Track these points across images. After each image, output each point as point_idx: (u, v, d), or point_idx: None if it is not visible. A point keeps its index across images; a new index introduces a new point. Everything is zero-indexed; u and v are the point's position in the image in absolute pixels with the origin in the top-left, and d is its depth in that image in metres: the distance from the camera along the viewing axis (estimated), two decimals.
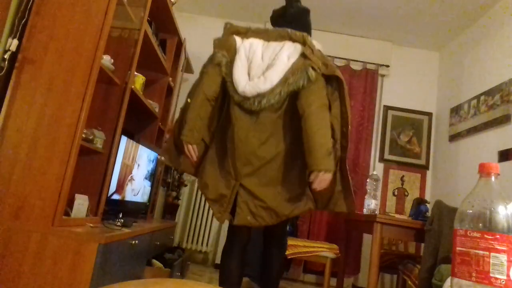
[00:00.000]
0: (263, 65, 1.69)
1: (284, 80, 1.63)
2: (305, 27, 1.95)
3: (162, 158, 1.87)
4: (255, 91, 1.63)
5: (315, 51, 1.70)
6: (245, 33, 1.79)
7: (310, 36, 2.01)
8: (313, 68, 1.64)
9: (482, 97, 3.18)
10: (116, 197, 2.16)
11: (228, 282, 1.75)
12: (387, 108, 4.05)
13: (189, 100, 1.84)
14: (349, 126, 1.73)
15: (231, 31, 1.82)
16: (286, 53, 1.67)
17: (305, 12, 1.97)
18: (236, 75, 1.68)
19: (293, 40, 1.71)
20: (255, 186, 1.69)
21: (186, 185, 3.67)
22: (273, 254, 1.94)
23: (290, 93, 1.65)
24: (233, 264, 1.78)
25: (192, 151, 1.76)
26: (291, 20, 1.92)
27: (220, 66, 1.73)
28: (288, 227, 2.46)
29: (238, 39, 1.78)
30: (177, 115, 3.81)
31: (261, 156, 1.68)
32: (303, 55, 1.66)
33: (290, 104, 1.71)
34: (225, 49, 1.76)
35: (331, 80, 1.78)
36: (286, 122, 1.73)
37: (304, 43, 1.71)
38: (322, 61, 1.70)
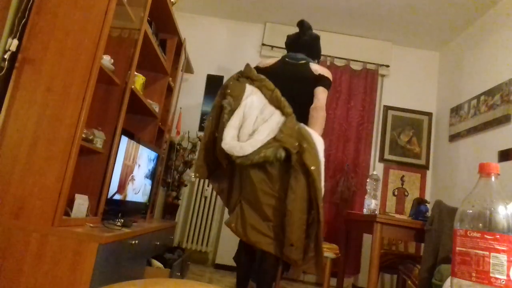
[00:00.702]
0: (251, 131, 1.91)
1: (257, 152, 1.85)
2: (316, 52, 2.25)
3: (197, 174, 2.13)
4: (231, 152, 1.86)
5: (295, 130, 1.88)
6: (260, 82, 1.98)
7: (319, 59, 2.35)
8: (286, 148, 1.84)
9: (482, 97, 3.18)
10: (117, 197, 2.16)
11: (240, 269, 2.14)
12: (387, 108, 4.05)
13: (211, 118, 2.07)
14: (321, 203, 1.87)
15: (248, 75, 2.01)
16: (269, 129, 1.88)
17: (317, 39, 2.26)
18: (226, 131, 1.90)
19: (283, 112, 1.92)
20: (247, 207, 1.98)
21: (186, 185, 3.67)
22: (269, 258, 2.10)
23: (263, 161, 1.86)
24: (244, 257, 2.13)
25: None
26: (303, 47, 2.21)
27: (224, 111, 1.94)
28: None
29: (248, 89, 1.97)
30: (177, 115, 3.82)
31: (256, 190, 1.92)
32: (278, 136, 1.87)
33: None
34: (234, 95, 1.96)
35: None
36: (274, 173, 1.92)
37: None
38: (299, 141, 1.87)
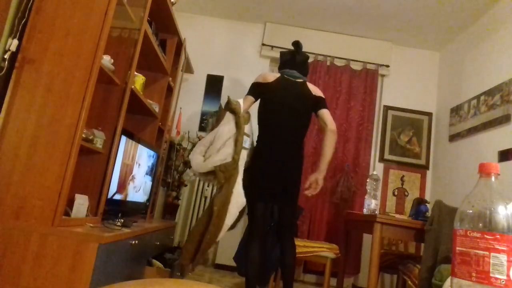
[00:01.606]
0: (212, 154, 2.18)
1: (205, 174, 2.18)
2: (306, 71, 2.53)
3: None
4: (191, 163, 2.17)
5: (229, 171, 2.16)
6: (236, 115, 2.24)
7: (307, 77, 2.62)
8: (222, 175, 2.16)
9: (482, 97, 3.18)
10: (117, 197, 2.16)
11: (252, 267, 2.22)
12: (387, 108, 4.05)
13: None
14: (209, 237, 2.11)
15: (231, 107, 2.25)
16: (222, 160, 2.15)
17: (308, 59, 2.54)
18: (197, 145, 2.17)
19: (234, 149, 2.19)
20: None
21: (186, 185, 3.67)
22: (289, 252, 2.32)
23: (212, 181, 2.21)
24: (255, 251, 2.21)
25: None
26: (298, 66, 2.46)
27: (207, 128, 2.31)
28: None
29: (226, 117, 2.25)
30: (177, 115, 3.81)
31: None
32: (216, 168, 2.17)
33: None
34: (218, 119, 2.24)
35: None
36: None
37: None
38: (225, 180, 2.16)
